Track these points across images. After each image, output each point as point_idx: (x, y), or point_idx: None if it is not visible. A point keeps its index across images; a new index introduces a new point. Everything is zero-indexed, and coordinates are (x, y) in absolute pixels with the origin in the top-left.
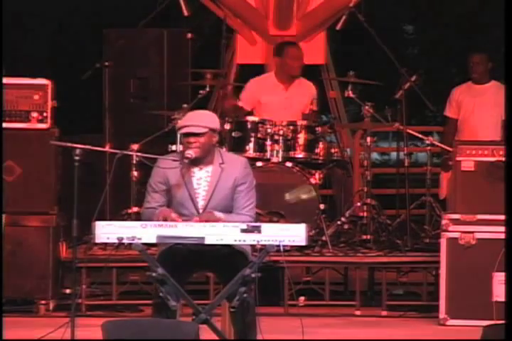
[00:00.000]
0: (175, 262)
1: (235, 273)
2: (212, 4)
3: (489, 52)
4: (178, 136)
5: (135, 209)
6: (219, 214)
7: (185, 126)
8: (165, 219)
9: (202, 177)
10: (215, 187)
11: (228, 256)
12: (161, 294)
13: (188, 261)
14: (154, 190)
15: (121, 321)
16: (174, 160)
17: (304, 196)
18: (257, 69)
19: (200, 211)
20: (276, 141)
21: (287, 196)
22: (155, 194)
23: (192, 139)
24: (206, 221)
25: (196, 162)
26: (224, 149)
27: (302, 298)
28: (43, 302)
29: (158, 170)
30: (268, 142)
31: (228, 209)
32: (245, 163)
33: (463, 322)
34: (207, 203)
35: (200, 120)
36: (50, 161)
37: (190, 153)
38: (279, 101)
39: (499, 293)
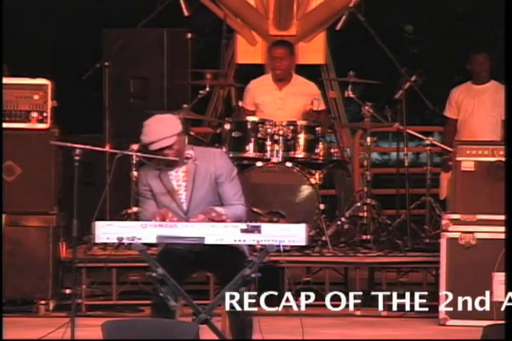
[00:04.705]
0: (173, 262)
1: (232, 273)
2: (212, 4)
3: (489, 52)
4: None
5: (135, 209)
6: (218, 209)
7: (153, 142)
8: (163, 219)
9: (180, 179)
10: (192, 185)
11: (226, 256)
12: (160, 294)
13: (186, 261)
14: (146, 198)
15: (121, 321)
16: (169, 164)
17: (304, 196)
18: (257, 69)
19: (185, 210)
20: (276, 141)
21: (289, 197)
22: (148, 200)
23: (166, 151)
24: (209, 218)
25: (171, 165)
26: (223, 148)
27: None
28: (42, 302)
29: (140, 177)
30: (268, 142)
31: (214, 204)
32: (219, 154)
33: (463, 322)
34: (189, 203)
35: (165, 131)
36: (50, 161)
37: (190, 153)
38: (272, 102)
39: (499, 293)
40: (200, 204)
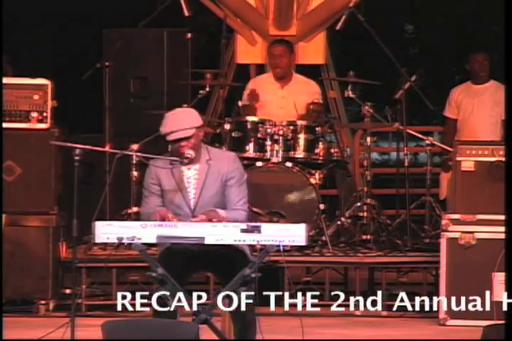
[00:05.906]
0: (174, 262)
1: (234, 273)
2: (212, 4)
3: (489, 52)
4: None
5: (135, 209)
6: (221, 212)
7: (172, 132)
8: (162, 219)
9: (191, 176)
10: (203, 184)
11: (228, 256)
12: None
13: (188, 261)
14: (150, 192)
15: (121, 321)
16: (173, 161)
17: (304, 196)
18: (257, 70)
19: (192, 208)
20: (276, 141)
21: (289, 197)
22: (151, 195)
23: (183, 143)
24: (209, 220)
25: (185, 162)
26: (224, 147)
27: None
28: (42, 302)
29: (149, 170)
30: (268, 142)
31: (220, 205)
32: (233, 158)
33: (463, 322)
34: (197, 201)
35: (185, 122)
36: (50, 161)
37: (191, 153)
38: (275, 100)
39: (499, 293)
40: (208, 203)
